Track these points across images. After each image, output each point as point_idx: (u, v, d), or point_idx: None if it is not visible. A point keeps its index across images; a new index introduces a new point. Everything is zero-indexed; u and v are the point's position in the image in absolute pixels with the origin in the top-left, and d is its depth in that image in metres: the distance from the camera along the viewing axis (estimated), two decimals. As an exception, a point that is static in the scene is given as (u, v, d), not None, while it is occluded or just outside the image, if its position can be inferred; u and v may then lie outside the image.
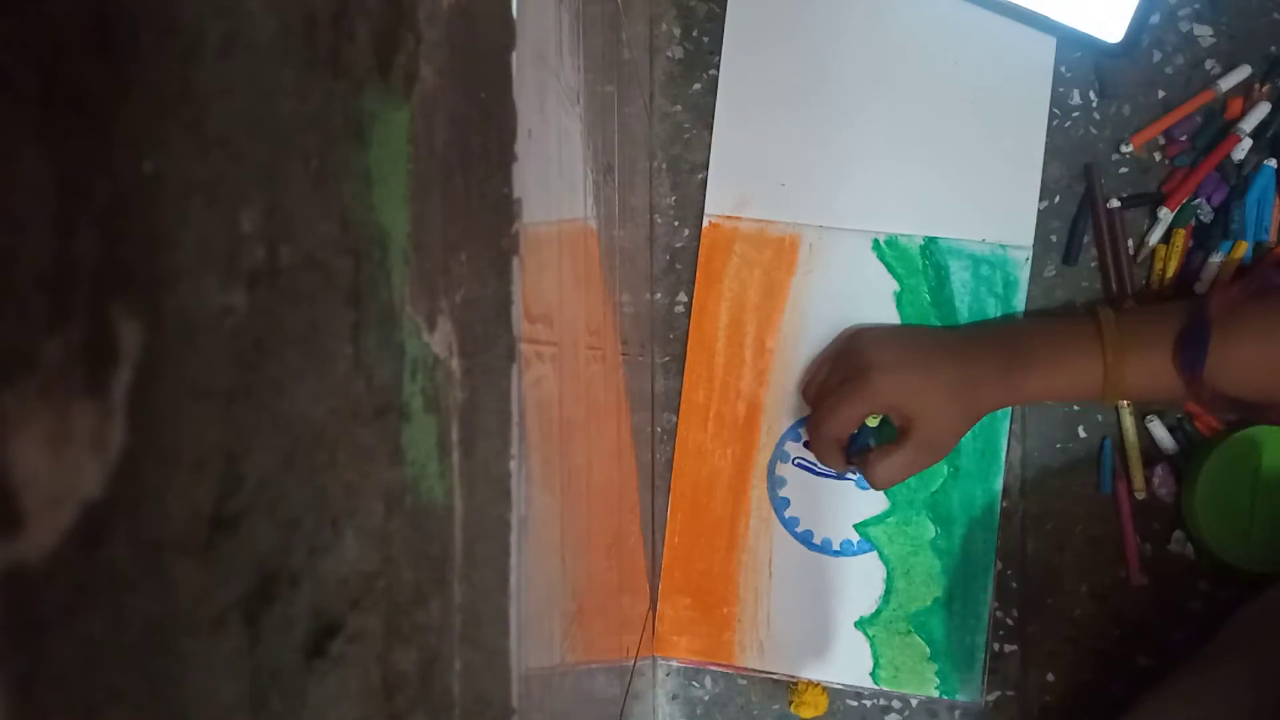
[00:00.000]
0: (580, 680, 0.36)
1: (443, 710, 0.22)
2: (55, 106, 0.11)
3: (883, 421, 0.58)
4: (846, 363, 0.56)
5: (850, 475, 0.62)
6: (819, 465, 0.62)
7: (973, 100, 0.61)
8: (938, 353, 0.55)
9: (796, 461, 0.63)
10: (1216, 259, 0.58)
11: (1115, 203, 0.60)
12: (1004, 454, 0.61)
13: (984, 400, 0.54)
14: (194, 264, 0.14)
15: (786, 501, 0.63)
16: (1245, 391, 0.51)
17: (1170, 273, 0.60)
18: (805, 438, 0.62)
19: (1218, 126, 0.60)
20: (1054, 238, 0.61)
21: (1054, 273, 0.61)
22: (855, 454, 0.57)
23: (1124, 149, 0.61)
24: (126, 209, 0.12)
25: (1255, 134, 0.59)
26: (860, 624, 0.62)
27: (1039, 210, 0.61)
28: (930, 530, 0.61)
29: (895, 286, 0.62)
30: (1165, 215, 0.59)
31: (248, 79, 0.15)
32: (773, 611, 0.63)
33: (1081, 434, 0.61)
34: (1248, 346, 0.50)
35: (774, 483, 0.63)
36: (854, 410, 0.54)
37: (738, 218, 0.63)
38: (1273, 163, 0.58)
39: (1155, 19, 0.60)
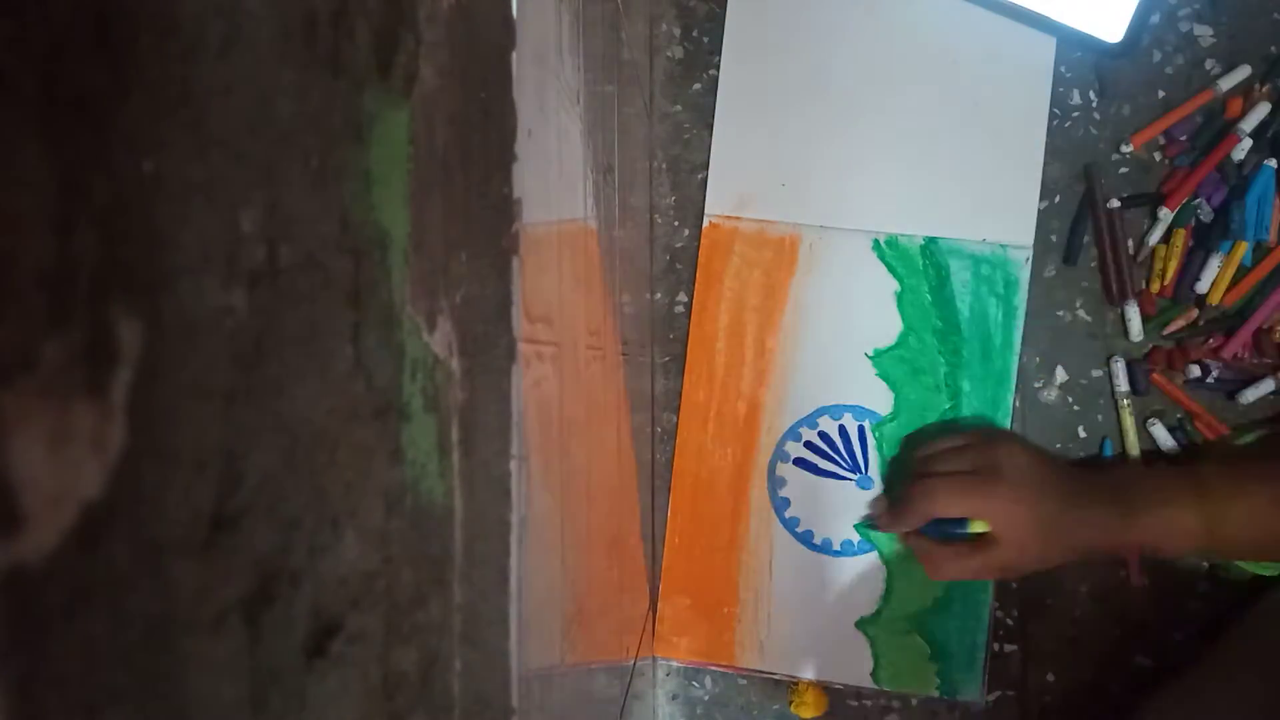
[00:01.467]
0: (580, 680, 0.36)
1: (443, 710, 0.22)
2: (55, 106, 0.11)
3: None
4: (983, 457, 0.56)
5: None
6: (819, 465, 0.62)
7: (973, 100, 0.61)
8: (1060, 488, 0.55)
9: (797, 461, 0.63)
10: (1216, 259, 0.58)
11: (1115, 203, 0.60)
12: (1004, 454, 0.61)
13: (1080, 542, 0.54)
14: (194, 264, 0.14)
15: (787, 501, 0.63)
16: None
17: (1170, 273, 0.60)
18: (805, 437, 0.62)
19: (1218, 126, 0.60)
20: (1054, 238, 0.61)
21: (1054, 273, 0.61)
22: (915, 529, 0.57)
23: (1124, 149, 0.61)
24: (126, 209, 0.12)
25: (1255, 134, 0.59)
26: (860, 624, 0.62)
27: (1039, 210, 0.61)
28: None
29: (896, 286, 0.62)
30: (1165, 215, 0.59)
31: (248, 79, 0.15)
32: (773, 611, 0.63)
33: (1081, 434, 0.61)
34: None
35: (774, 483, 0.63)
36: (964, 505, 0.55)
37: (738, 218, 0.63)
38: (1273, 162, 0.58)
39: (1155, 19, 0.60)
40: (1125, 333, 0.60)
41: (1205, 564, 0.60)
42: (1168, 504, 0.53)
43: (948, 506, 0.55)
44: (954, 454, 0.57)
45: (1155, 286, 0.60)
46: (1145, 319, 0.60)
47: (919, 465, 0.58)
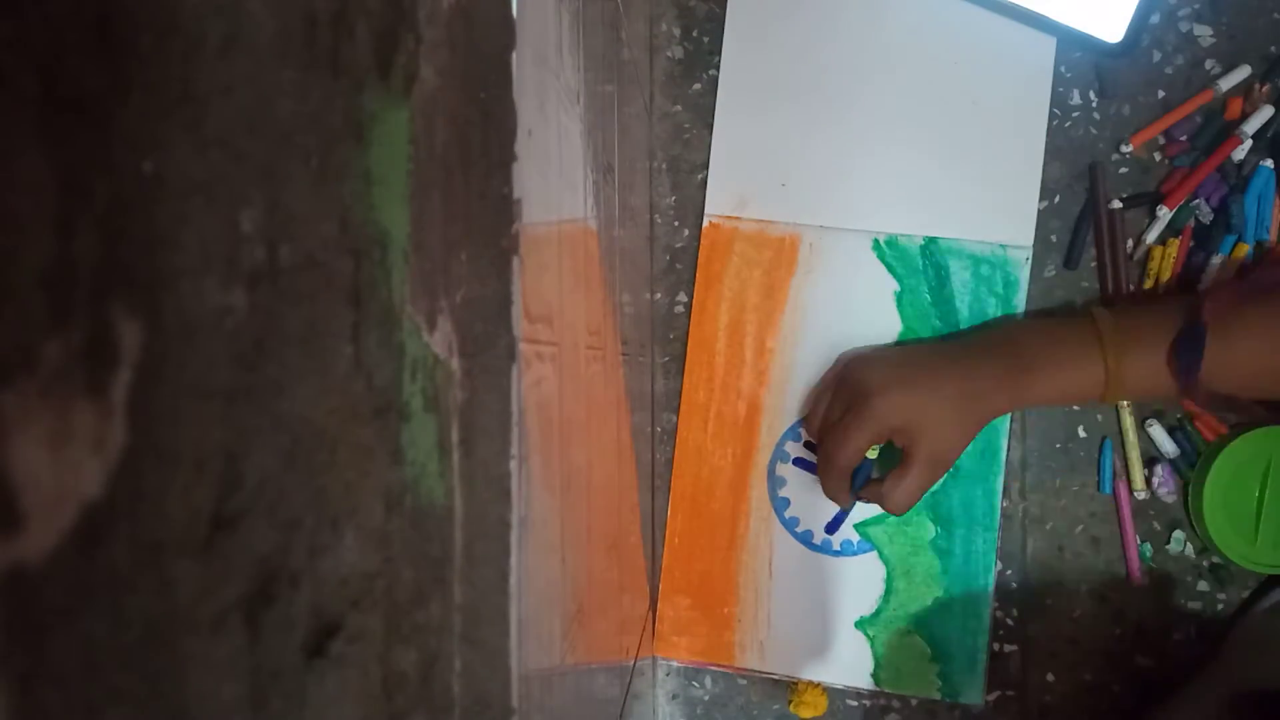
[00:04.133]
0: (580, 680, 0.36)
1: (443, 710, 0.22)
2: (55, 106, 0.11)
3: (882, 450, 0.57)
4: (847, 392, 0.56)
5: (849, 509, 0.61)
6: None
7: (973, 100, 0.61)
8: (938, 367, 0.55)
9: (796, 461, 0.63)
10: (1217, 260, 0.58)
11: (1117, 203, 0.60)
12: (1004, 454, 0.61)
13: (988, 407, 0.54)
14: (194, 264, 0.14)
15: (787, 501, 0.63)
16: (1240, 390, 0.51)
17: (1166, 275, 0.59)
18: (805, 437, 0.62)
19: (1218, 127, 0.60)
20: (1054, 238, 0.61)
21: (1054, 273, 0.61)
22: (860, 487, 0.57)
23: (1124, 149, 0.61)
24: (126, 209, 0.12)
25: (1256, 135, 0.59)
26: (860, 624, 0.62)
27: (1039, 210, 0.61)
28: (930, 530, 0.61)
29: (895, 286, 0.62)
30: (1164, 213, 0.59)
31: (248, 79, 0.15)
32: (773, 611, 0.63)
33: (1081, 434, 0.61)
34: (1243, 349, 0.50)
35: (774, 483, 0.63)
36: (862, 437, 0.54)
37: (738, 218, 0.63)
38: (1269, 163, 0.58)
39: (1155, 19, 0.60)
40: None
41: (1205, 563, 0.60)
42: (1067, 356, 0.53)
43: (851, 453, 0.55)
44: (832, 408, 0.57)
45: (1149, 285, 0.60)
46: (1145, 319, 0.60)
47: (816, 438, 0.59)
